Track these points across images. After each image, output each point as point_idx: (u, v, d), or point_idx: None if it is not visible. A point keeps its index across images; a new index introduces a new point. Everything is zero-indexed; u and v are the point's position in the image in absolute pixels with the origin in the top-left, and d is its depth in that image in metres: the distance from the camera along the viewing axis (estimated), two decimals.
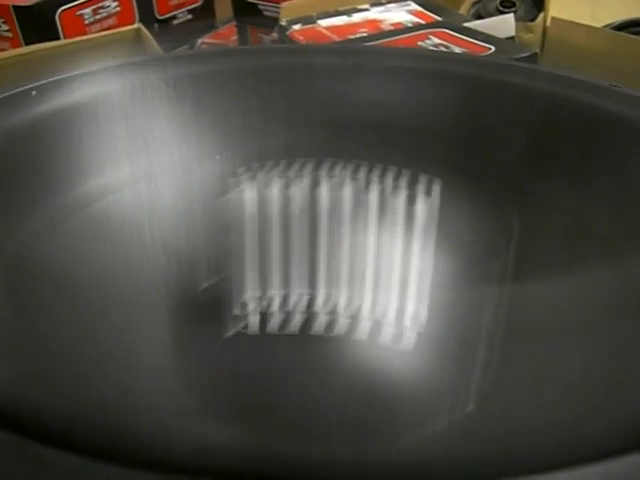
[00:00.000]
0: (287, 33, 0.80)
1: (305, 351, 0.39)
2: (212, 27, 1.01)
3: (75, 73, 0.45)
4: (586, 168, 0.40)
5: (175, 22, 0.99)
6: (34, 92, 0.42)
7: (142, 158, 0.43)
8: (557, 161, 0.41)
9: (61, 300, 0.36)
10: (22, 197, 0.39)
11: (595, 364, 0.32)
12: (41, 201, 0.39)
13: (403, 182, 0.38)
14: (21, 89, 0.42)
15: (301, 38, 0.78)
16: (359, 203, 0.38)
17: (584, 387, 0.31)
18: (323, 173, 0.39)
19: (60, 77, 0.44)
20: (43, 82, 0.43)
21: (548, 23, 0.78)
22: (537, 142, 0.42)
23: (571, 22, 0.75)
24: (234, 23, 1.01)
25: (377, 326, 0.40)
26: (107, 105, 0.42)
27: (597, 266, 0.36)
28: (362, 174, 0.39)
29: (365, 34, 0.77)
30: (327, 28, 0.80)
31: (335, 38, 0.77)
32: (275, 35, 0.85)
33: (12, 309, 0.33)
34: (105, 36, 0.78)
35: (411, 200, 0.37)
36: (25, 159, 0.40)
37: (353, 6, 0.85)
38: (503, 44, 0.71)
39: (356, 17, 0.83)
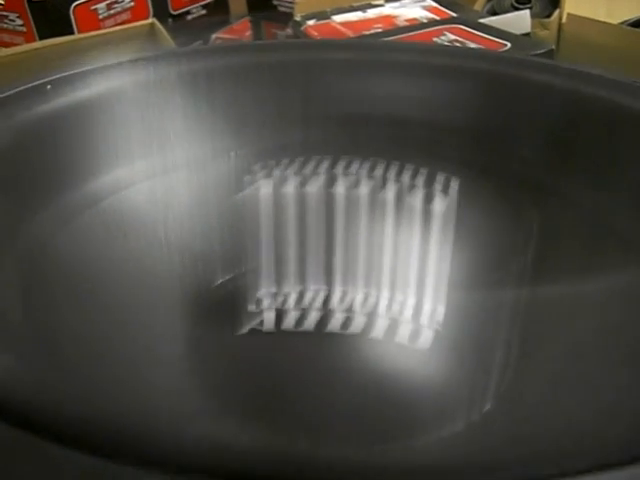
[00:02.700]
0: (301, 28, 0.79)
1: (320, 349, 0.39)
2: (226, 22, 1.01)
3: (90, 67, 0.44)
4: (606, 166, 0.40)
5: (189, 17, 0.99)
6: (49, 86, 0.42)
7: (156, 153, 0.43)
8: (576, 159, 0.41)
9: (74, 297, 0.36)
10: (36, 191, 0.38)
11: (615, 365, 0.32)
12: (55, 195, 0.39)
13: (420, 180, 0.38)
14: (36, 83, 0.42)
15: (315, 34, 0.78)
16: (376, 201, 0.37)
17: (604, 388, 0.31)
18: (340, 171, 0.39)
19: (75, 71, 0.43)
20: (58, 76, 0.43)
21: (564, 20, 0.78)
22: (556, 139, 0.42)
23: (587, 18, 0.75)
24: (248, 18, 1.01)
25: (394, 324, 0.40)
26: (122, 100, 0.42)
27: (617, 267, 0.36)
28: (379, 172, 0.39)
29: (380, 30, 0.77)
30: (341, 24, 0.80)
31: (350, 34, 0.76)
32: (289, 30, 0.84)
33: (25, 306, 0.32)
34: (119, 31, 0.78)
35: (428, 198, 0.36)
36: (40, 153, 0.39)
37: (368, 2, 0.85)
38: (519, 40, 0.70)
39: (371, 13, 0.83)
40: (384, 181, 0.38)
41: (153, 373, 0.35)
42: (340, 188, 0.37)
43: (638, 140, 0.39)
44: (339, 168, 0.39)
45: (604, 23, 0.74)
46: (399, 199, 0.37)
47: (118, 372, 0.33)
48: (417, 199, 0.36)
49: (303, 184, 0.38)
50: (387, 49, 0.51)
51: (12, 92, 0.41)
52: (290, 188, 0.38)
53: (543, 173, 0.42)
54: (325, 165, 0.39)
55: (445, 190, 0.37)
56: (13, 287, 0.33)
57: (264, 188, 0.38)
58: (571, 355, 0.34)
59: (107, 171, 0.42)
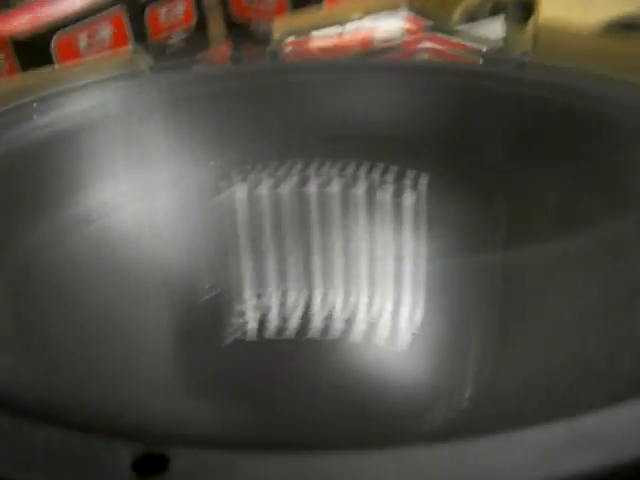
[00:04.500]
0: (281, 46, 0.80)
1: (302, 354, 0.39)
2: (206, 46, 1.01)
3: (73, 86, 0.45)
4: (568, 156, 0.40)
5: (169, 42, 1.00)
6: (35, 104, 0.43)
7: (140, 172, 0.44)
8: (541, 151, 0.42)
9: (63, 314, 0.37)
10: (24, 212, 0.39)
11: (585, 347, 0.32)
12: (42, 217, 0.40)
13: (390, 177, 0.38)
14: (21, 102, 0.42)
15: (294, 50, 0.79)
16: (348, 198, 0.38)
17: (579, 370, 0.31)
18: (311, 171, 0.39)
19: (56, 97, 0.44)
20: (40, 103, 0.44)
21: (538, 26, 0.78)
22: (521, 135, 0.43)
23: (561, 24, 0.76)
24: (227, 40, 1.02)
25: (372, 328, 0.40)
26: (105, 122, 0.43)
27: (584, 249, 0.37)
28: (349, 171, 0.39)
29: (358, 43, 0.78)
30: (320, 39, 0.80)
31: (328, 48, 0.77)
32: (269, 49, 0.85)
33: (15, 317, 0.33)
34: (99, 59, 0.79)
35: (399, 193, 0.37)
36: (26, 175, 0.40)
37: (346, 17, 0.86)
38: (494, 46, 0.71)
39: (349, 27, 0.84)
40: (355, 179, 0.38)
41: (139, 385, 0.35)
42: (313, 187, 0.38)
43: (594, 128, 0.40)
44: (311, 169, 0.40)
45: (579, 28, 0.74)
46: (370, 195, 0.37)
47: (104, 383, 0.34)
48: (387, 194, 0.37)
49: (277, 185, 0.39)
50: (358, 68, 0.52)
51: None
52: (264, 190, 0.39)
53: (509, 165, 0.43)
54: (298, 167, 0.40)
55: (415, 185, 0.37)
56: (3, 299, 0.34)
57: (239, 191, 0.38)
58: (545, 345, 0.34)
59: (93, 192, 0.43)
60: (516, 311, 0.37)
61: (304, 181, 0.39)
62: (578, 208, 0.38)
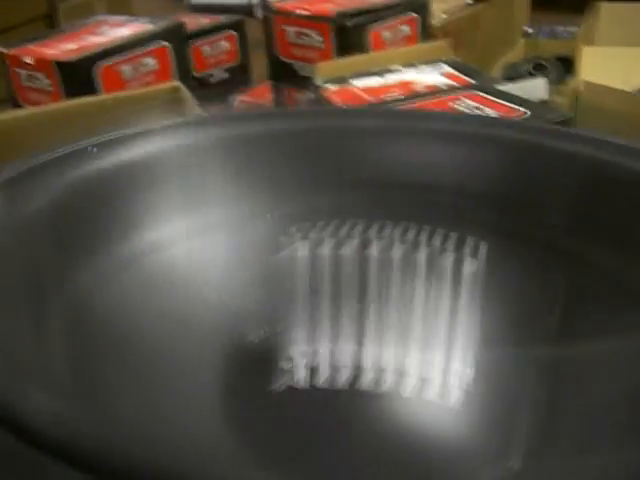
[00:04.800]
0: (322, 93, 0.81)
1: (352, 405, 0.40)
2: (247, 85, 1.03)
3: (132, 131, 0.46)
4: (628, 232, 0.41)
5: (212, 80, 1.01)
6: (95, 149, 0.43)
7: (195, 214, 0.44)
8: (600, 225, 0.42)
9: (115, 349, 0.38)
10: (80, 248, 0.40)
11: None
12: (98, 252, 0.41)
13: (451, 244, 0.39)
14: (81, 145, 0.43)
15: (336, 98, 0.79)
16: (408, 263, 0.39)
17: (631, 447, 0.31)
18: (373, 234, 0.40)
19: (117, 134, 0.45)
20: (101, 139, 0.44)
21: (580, 87, 0.79)
22: (580, 206, 0.43)
23: (603, 86, 0.76)
24: (269, 82, 1.03)
25: (424, 383, 0.41)
26: (163, 162, 0.44)
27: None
28: (410, 236, 0.40)
29: (399, 95, 0.78)
30: (361, 89, 0.81)
31: (369, 99, 0.78)
32: (310, 95, 0.86)
33: (68, 353, 0.34)
34: (143, 92, 0.80)
35: (458, 261, 0.38)
36: (84, 212, 0.41)
37: (386, 67, 0.87)
38: (537, 108, 0.72)
39: (389, 78, 0.85)
40: (416, 244, 0.39)
41: (188, 427, 0.36)
42: (373, 250, 0.39)
43: None
44: (372, 232, 0.40)
45: (620, 91, 0.75)
46: (430, 261, 0.38)
47: (153, 423, 0.34)
48: (447, 261, 0.38)
49: (338, 246, 0.39)
50: (417, 117, 0.52)
51: (58, 153, 0.42)
52: (326, 250, 0.39)
53: (567, 238, 0.43)
54: (359, 228, 0.41)
55: (474, 254, 0.38)
56: (58, 334, 0.34)
57: (301, 249, 0.39)
58: (597, 415, 0.35)
59: (148, 230, 0.43)
60: (568, 379, 0.37)
61: (365, 244, 0.39)
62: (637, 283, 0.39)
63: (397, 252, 0.39)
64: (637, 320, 0.38)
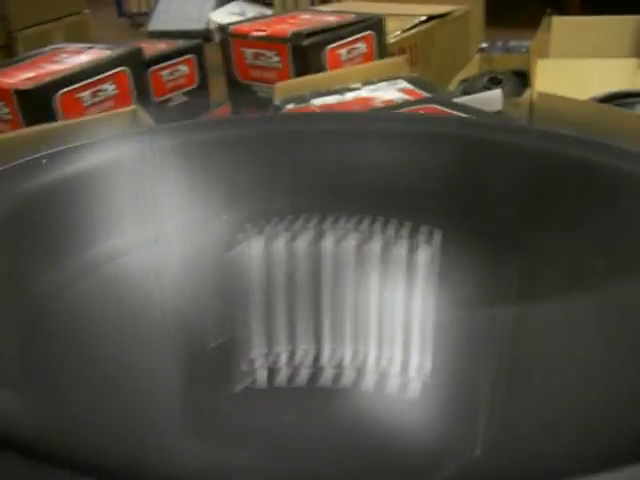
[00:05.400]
0: (281, 112, 0.81)
1: (311, 402, 0.40)
2: (207, 108, 1.03)
3: (82, 142, 0.46)
4: (574, 219, 0.42)
5: (171, 104, 1.02)
6: (44, 160, 0.43)
7: (150, 222, 0.44)
8: (549, 211, 0.43)
9: (71, 356, 0.37)
10: (35, 258, 0.40)
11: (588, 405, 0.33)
12: (53, 263, 0.41)
13: (405, 232, 0.39)
14: (32, 157, 0.43)
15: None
16: (362, 252, 0.39)
17: (580, 427, 0.32)
18: (327, 225, 0.40)
19: (70, 146, 0.45)
20: (53, 151, 0.45)
21: (534, 97, 0.79)
22: (530, 194, 0.44)
23: (557, 96, 0.77)
24: (228, 104, 1.03)
25: (383, 378, 0.41)
26: (116, 171, 0.44)
27: (593, 302, 0.38)
28: (364, 226, 0.40)
29: (358, 106, 0.79)
30: (320, 107, 0.82)
31: (330, 107, 0.79)
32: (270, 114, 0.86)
33: (24, 354, 0.34)
34: (103, 117, 0.80)
35: (413, 248, 0.38)
36: (39, 223, 0.41)
37: (345, 85, 0.87)
38: (492, 118, 0.73)
39: (348, 96, 0.85)
40: (370, 234, 0.39)
41: (148, 429, 0.36)
42: (328, 242, 0.39)
43: (606, 193, 0.41)
44: (327, 224, 0.41)
45: (574, 100, 0.76)
46: (385, 250, 0.38)
47: (113, 425, 0.34)
48: (402, 250, 0.38)
49: (293, 239, 0.40)
50: (367, 119, 0.53)
51: (10, 166, 0.42)
52: (280, 243, 0.39)
53: (518, 227, 0.44)
54: (314, 222, 0.41)
55: (429, 241, 0.38)
56: (16, 336, 0.34)
57: (255, 244, 0.39)
58: (557, 393, 0.35)
59: (103, 240, 0.43)
60: (522, 366, 0.37)
61: (320, 236, 0.40)
62: (586, 266, 0.39)
63: (351, 242, 0.39)
64: (584, 300, 0.38)
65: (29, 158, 0.44)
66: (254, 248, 0.40)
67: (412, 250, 0.38)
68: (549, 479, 0.27)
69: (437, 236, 0.39)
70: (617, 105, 0.78)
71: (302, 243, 0.40)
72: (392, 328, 0.40)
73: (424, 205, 0.45)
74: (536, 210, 0.43)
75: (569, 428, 0.33)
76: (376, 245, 0.39)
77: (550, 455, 0.31)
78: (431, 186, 0.46)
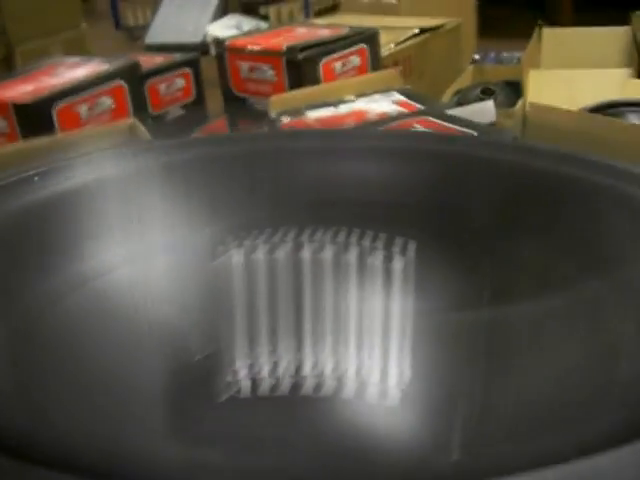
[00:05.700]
0: (277, 125, 0.82)
1: (295, 411, 0.41)
2: (204, 121, 1.04)
3: (73, 158, 0.47)
4: (548, 229, 0.43)
5: (168, 117, 1.02)
6: (36, 178, 0.44)
7: (136, 238, 0.45)
8: (521, 220, 0.44)
9: (62, 368, 0.38)
10: (26, 273, 0.41)
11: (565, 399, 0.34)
12: (42, 278, 0.41)
13: (380, 243, 0.40)
14: (24, 175, 0.44)
15: (292, 124, 0.81)
16: (339, 263, 0.40)
17: (559, 420, 0.33)
18: (305, 238, 0.41)
19: (59, 163, 0.46)
20: (44, 168, 0.45)
21: (527, 108, 0.80)
22: (502, 204, 0.45)
23: (549, 106, 0.78)
24: (225, 117, 1.04)
25: (363, 385, 0.42)
26: (103, 189, 0.45)
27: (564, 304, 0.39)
28: (341, 238, 0.41)
29: (352, 125, 0.80)
30: (315, 120, 0.82)
31: (325, 120, 0.79)
32: (265, 128, 0.87)
33: (13, 366, 0.34)
34: (100, 130, 0.81)
35: (388, 259, 0.39)
36: (26, 239, 0.42)
37: (339, 97, 0.88)
38: (485, 129, 0.73)
39: (343, 108, 0.86)
40: (346, 245, 0.40)
41: (136, 438, 0.37)
42: (306, 253, 0.40)
43: (574, 203, 0.42)
44: (305, 236, 0.41)
45: (566, 110, 0.76)
46: (361, 261, 0.39)
47: (100, 436, 0.35)
48: (377, 260, 0.39)
49: (272, 251, 0.40)
50: (346, 137, 0.54)
51: (4, 182, 0.43)
52: (260, 255, 0.40)
53: (492, 238, 0.45)
54: (292, 234, 0.42)
55: (403, 251, 0.39)
56: (6, 348, 0.35)
57: (236, 256, 0.40)
58: (532, 394, 0.36)
59: (91, 255, 0.44)
60: (500, 366, 0.38)
61: (298, 247, 0.41)
62: (557, 271, 0.40)
63: (329, 253, 0.40)
64: (556, 302, 0.39)
65: (20, 175, 0.45)
66: (235, 259, 0.40)
67: (387, 260, 0.39)
68: None
69: (412, 247, 0.40)
70: (608, 115, 0.79)
71: (281, 255, 0.40)
72: (370, 337, 0.41)
73: (399, 217, 0.46)
74: (508, 219, 0.44)
75: (546, 430, 0.33)
76: (352, 256, 0.39)
77: (527, 458, 0.32)
78: (407, 199, 0.47)
